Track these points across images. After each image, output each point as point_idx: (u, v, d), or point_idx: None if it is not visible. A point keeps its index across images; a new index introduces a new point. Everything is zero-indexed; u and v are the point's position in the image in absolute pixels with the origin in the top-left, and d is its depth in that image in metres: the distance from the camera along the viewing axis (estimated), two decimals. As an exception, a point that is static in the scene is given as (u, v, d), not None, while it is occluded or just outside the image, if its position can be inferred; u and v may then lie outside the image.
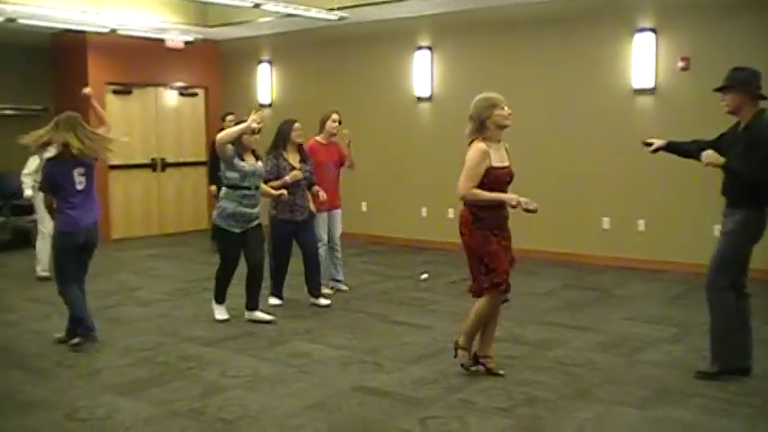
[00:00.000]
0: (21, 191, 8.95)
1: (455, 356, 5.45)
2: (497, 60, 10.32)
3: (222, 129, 7.96)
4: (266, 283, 7.29)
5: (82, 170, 6.11)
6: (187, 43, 12.57)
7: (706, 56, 8.75)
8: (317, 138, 7.88)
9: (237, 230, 6.75)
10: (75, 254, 6.18)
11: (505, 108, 5.18)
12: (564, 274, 9.04)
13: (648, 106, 9.25)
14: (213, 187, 10.29)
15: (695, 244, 8.82)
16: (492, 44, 10.43)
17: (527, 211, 5.09)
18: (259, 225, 6.89)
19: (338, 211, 8.10)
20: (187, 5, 11.48)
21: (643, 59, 9.19)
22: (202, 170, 13.07)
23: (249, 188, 6.71)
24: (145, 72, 12.63)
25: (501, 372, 5.39)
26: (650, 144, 5.63)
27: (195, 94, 13.51)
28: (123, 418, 4.74)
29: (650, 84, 9.17)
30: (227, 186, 6.73)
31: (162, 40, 12.29)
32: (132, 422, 4.66)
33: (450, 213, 10.40)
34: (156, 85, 12.95)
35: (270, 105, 12.84)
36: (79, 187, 6.11)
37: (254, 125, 6.53)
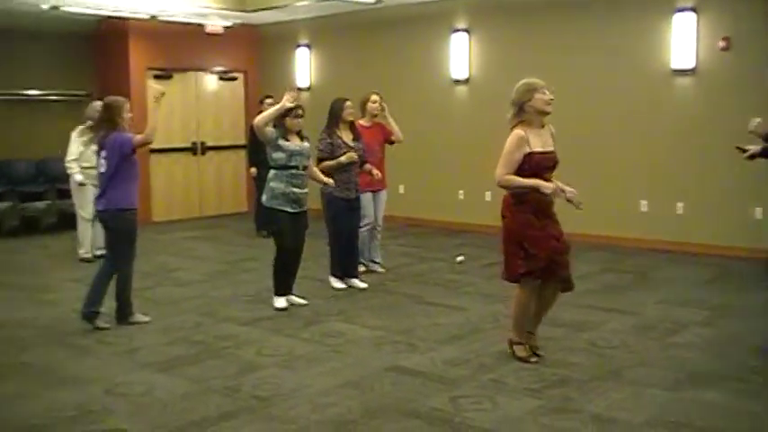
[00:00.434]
0: (67, 176, 9.14)
1: (512, 354, 5.38)
2: (535, 42, 10.25)
3: (260, 112, 8.04)
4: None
5: (104, 153, 6.29)
6: (226, 28, 12.71)
7: (747, 36, 8.62)
8: (360, 121, 7.92)
9: (290, 210, 6.69)
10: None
11: (547, 93, 5.11)
12: (602, 257, 9.00)
13: (688, 87, 9.13)
14: (253, 169, 10.41)
15: (733, 227, 8.75)
16: (529, 26, 10.38)
17: (570, 201, 5.09)
18: (306, 212, 6.84)
19: (383, 193, 8.17)
20: (226, -10, 11.62)
21: (683, 40, 9.06)
22: (242, 153, 13.21)
23: (297, 167, 6.66)
24: (185, 57, 12.79)
25: (540, 352, 5.36)
26: (745, 150, 5.56)
27: (234, 79, 13.64)
28: (161, 394, 4.86)
29: (690, 64, 9.04)
30: (275, 168, 6.71)
31: (201, 26, 12.44)
32: (169, 398, 4.78)
33: (488, 196, 10.40)
34: (196, 69, 13.10)
35: (308, 89, 12.93)
36: (101, 170, 6.32)
37: (288, 104, 6.53)
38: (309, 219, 6.94)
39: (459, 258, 8.88)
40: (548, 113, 5.16)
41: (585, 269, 8.24)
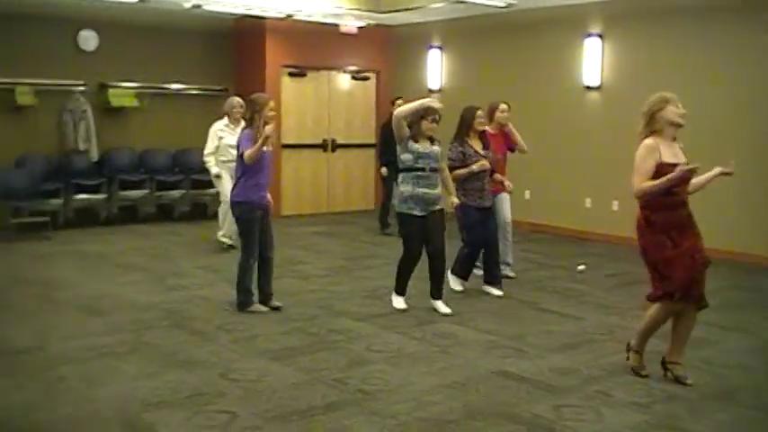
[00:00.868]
0: (206, 170, 9.52)
1: (627, 359, 5.33)
2: (669, 49, 9.96)
3: (392, 113, 8.13)
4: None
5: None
6: (360, 28, 12.95)
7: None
8: (487, 128, 7.90)
9: (418, 213, 6.67)
10: None
11: (679, 106, 5.04)
12: (728, 273, 8.64)
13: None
14: (384, 169, 10.60)
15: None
16: (665, 32, 10.08)
17: (725, 174, 5.15)
18: (441, 211, 6.80)
19: (504, 193, 8.02)
20: (361, -8, 11.85)
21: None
22: (371, 152, 13.45)
23: (423, 169, 6.67)
24: (319, 56, 13.10)
25: (688, 381, 5.08)
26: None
27: (367, 78, 13.88)
28: (272, 381, 5.06)
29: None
30: (403, 170, 6.77)
31: (336, 26, 12.72)
32: (280, 386, 4.97)
33: (615, 206, 10.20)
34: (330, 68, 13.40)
35: (439, 91, 13.00)
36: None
37: (434, 103, 6.61)
38: (446, 220, 6.88)
39: (581, 267, 8.73)
40: (680, 126, 5.06)
41: (711, 285, 7.90)
